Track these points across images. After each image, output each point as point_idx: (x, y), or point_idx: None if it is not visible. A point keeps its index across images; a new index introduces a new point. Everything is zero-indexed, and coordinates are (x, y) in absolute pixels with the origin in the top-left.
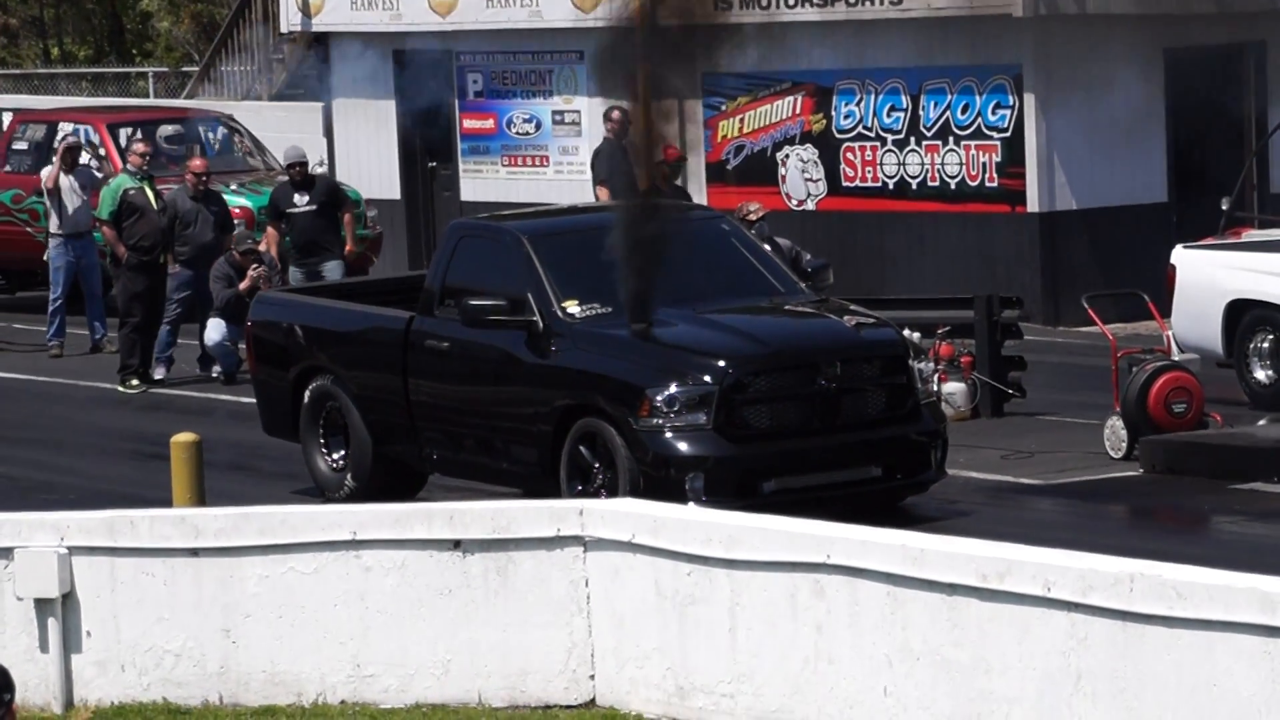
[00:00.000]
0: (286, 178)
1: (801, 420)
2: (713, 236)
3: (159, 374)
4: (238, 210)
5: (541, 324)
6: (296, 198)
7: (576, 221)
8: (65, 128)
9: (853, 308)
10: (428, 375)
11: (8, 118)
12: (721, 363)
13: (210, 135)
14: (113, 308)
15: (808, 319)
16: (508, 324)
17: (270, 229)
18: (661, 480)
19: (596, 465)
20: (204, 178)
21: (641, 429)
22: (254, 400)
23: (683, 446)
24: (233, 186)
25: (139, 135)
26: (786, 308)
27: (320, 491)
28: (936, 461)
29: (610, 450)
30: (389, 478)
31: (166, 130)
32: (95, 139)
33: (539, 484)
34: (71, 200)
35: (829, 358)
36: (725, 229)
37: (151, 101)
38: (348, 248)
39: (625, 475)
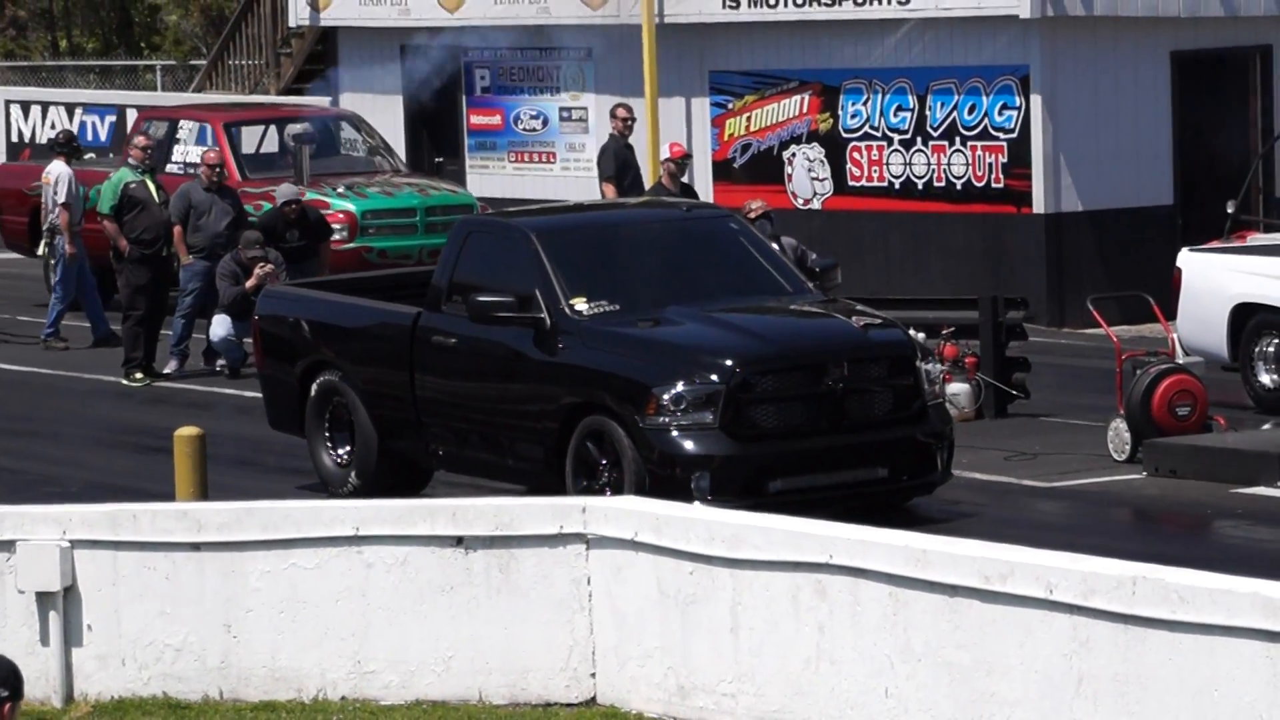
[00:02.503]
0: (281, 211)
1: (808, 420)
2: (721, 235)
3: (170, 368)
4: (341, 215)
5: (549, 321)
6: (289, 234)
7: (584, 219)
8: (186, 125)
9: (860, 308)
10: (434, 371)
11: (15, 110)
12: (728, 362)
13: (336, 134)
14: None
15: (815, 319)
16: (515, 321)
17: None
18: (667, 479)
19: (603, 463)
20: (216, 169)
21: (648, 427)
22: (259, 394)
23: (689, 445)
24: (339, 189)
25: (144, 129)
26: (794, 307)
27: (325, 487)
28: (943, 463)
29: (616, 448)
30: (394, 473)
31: (295, 129)
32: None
33: (544, 481)
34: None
35: (836, 358)
36: (734, 228)
37: (273, 99)
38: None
39: (631, 473)
